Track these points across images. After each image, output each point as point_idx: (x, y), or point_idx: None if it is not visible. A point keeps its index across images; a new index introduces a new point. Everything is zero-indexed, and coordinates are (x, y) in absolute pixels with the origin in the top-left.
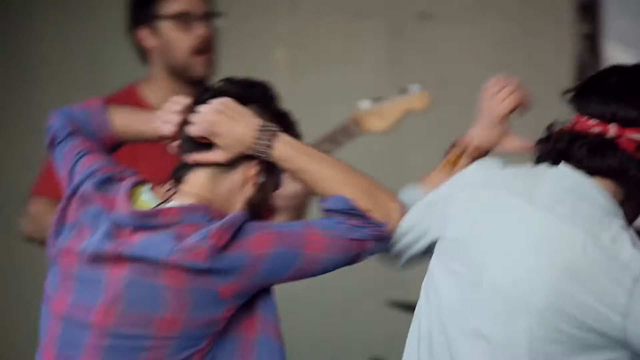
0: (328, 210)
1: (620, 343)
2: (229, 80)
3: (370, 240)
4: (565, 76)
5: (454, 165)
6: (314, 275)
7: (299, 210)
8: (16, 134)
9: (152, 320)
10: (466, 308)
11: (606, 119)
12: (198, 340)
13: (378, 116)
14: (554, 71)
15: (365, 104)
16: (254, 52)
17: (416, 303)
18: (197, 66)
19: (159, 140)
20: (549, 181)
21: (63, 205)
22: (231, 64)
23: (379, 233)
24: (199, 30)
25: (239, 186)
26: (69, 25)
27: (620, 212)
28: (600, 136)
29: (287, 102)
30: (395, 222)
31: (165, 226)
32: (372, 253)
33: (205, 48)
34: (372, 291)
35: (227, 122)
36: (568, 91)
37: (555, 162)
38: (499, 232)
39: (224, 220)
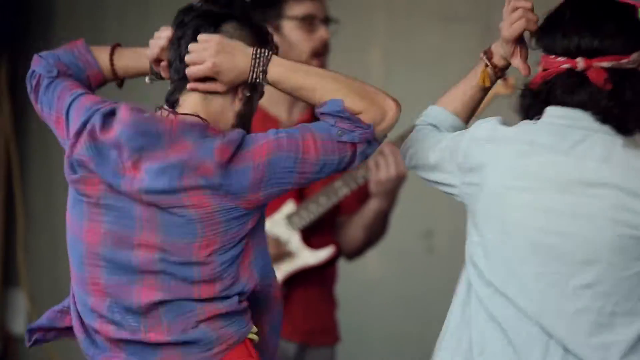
0: (322, 114)
1: None
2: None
3: (359, 142)
4: None
5: (482, 79)
6: (317, 178)
7: (391, 194)
8: None
9: (191, 247)
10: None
11: (572, 53)
12: (236, 249)
13: None
14: None
15: None
16: (353, 53)
17: None
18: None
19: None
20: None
21: (72, 142)
22: (333, 63)
23: (368, 135)
24: (321, 33)
25: (229, 103)
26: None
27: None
28: (571, 71)
29: None
30: (391, 119)
31: (167, 141)
32: (365, 155)
33: (323, 51)
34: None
35: (227, 60)
36: (533, 35)
37: (541, 110)
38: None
39: (225, 137)
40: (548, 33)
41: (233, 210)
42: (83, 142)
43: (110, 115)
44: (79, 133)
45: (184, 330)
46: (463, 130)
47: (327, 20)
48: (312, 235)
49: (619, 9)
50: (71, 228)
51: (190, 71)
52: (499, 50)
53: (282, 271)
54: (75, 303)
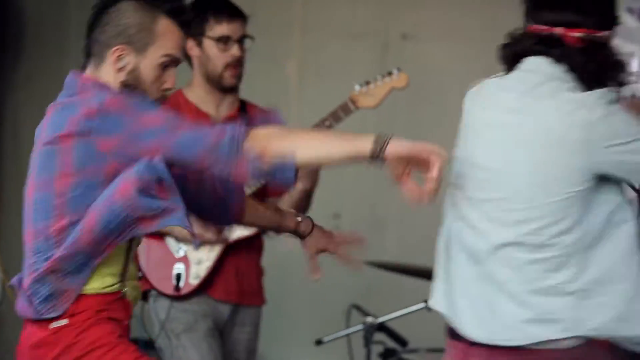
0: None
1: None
2: None
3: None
4: None
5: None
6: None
7: (313, 176)
8: None
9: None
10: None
11: (554, 24)
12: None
13: (369, 95)
14: None
15: (358, 87)
16: (273, 64)
17: (389, 264)
18: (228, 78)
19: None
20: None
21: None
22: (253, 75)
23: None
24: (233, 51)
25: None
26: None
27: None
28: (551, 35)
29: (297, 107)
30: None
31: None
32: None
33: (236, 64)
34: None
35: None
36: (523, 4)
37: (514, 61)
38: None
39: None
40: (536, 7)
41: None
42: None
43: None
44: None
45: None
46: None
47: (242, 39)
48: None
49: None
50: None
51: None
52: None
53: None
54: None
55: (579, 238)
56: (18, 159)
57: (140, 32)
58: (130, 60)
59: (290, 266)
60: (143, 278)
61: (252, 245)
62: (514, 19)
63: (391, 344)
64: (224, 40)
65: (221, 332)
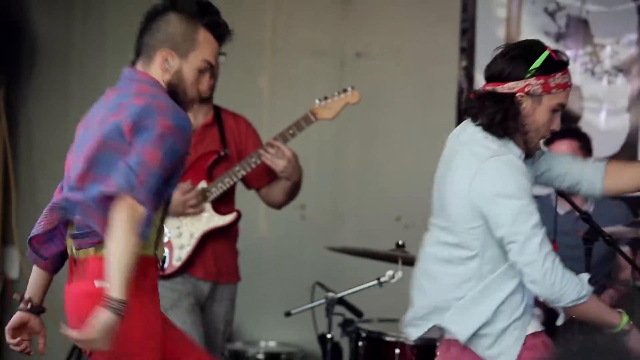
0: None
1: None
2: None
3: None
4: (451, 97)
5: None
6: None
7: (295, 171)
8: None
9: None
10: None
11: (486, 81)
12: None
13: (327, 109)
14: (445, 93)
15: (317, 101)
16: (247, 78)
17: (347, 249)
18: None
19: None
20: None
21: None
22: (231, 87)
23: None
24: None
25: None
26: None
27: (495, 145)
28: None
29: (269, 117)
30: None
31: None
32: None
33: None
34: (315, 239)
35: None
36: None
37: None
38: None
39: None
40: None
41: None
42: None
43: None
44: None
45: None
46: None
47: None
48: (220, 205)
49: (521, 49)
50: None
51: None
52: None
53: (199, 230)
54: None
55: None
56: (30, 163)
57: (184, 40)
58: (174, 63)
59: (262, 249)
60: None
61: (229, 231)
62: (451, 40)
63: (349, 315)
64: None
65: (202, 307)
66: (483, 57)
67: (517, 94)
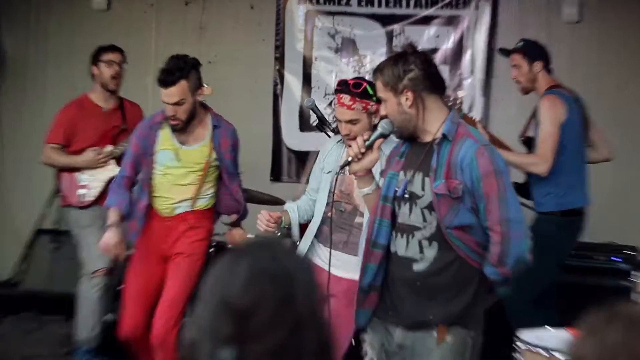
0: None
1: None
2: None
3: None
4: (269, 88)
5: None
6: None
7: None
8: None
9: None
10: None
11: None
12: None
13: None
14: (265, 86)
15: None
16: (135, 79)
17: None
18: (112, 85)
19: None
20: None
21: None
22: (127, 84)
23: None
24: (115, 69)
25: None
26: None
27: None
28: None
29: (152, 104)
30: None
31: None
32: None
33: (117, 77)
34: None
35: None
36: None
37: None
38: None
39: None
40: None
41: None
42: None
43: None
44: None
45: None
46: None
47: (121, 63)
48: (120, 160)
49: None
50: None
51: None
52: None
53: (106, 176)
54: None
55: None
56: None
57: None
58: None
59: None
60: (64, 196)
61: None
62: (269, 52)
63: None
64: (110, 64)
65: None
66: (290, 63)
67: None
